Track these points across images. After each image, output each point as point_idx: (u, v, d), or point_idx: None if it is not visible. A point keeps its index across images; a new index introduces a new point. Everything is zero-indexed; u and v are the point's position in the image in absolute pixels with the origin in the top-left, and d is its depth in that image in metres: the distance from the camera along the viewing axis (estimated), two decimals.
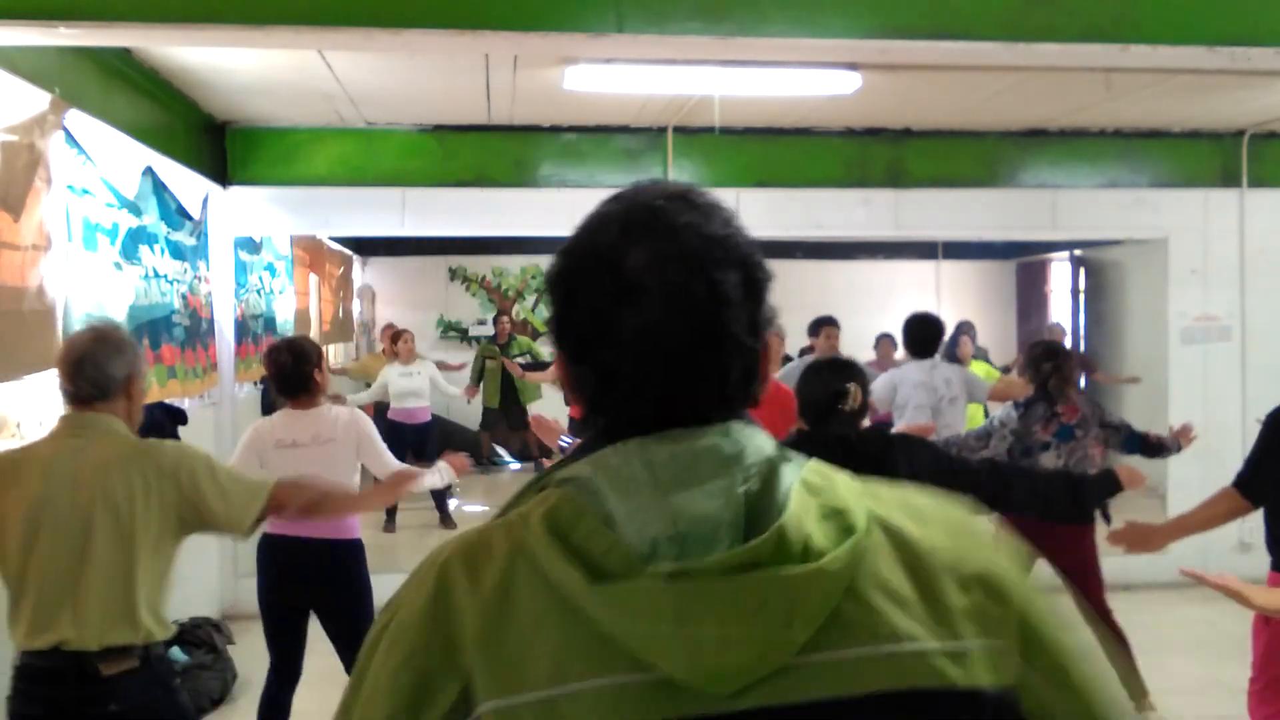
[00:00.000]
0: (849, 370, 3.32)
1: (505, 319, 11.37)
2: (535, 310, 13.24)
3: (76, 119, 4.38)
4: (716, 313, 0.95)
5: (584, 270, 0.98)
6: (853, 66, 5.47)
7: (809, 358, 6.31)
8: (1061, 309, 12.75)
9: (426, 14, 3.55)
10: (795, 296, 10.84)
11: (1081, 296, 12.05)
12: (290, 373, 4.17)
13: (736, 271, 0.97)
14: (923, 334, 6.17)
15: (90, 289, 4.50)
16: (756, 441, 0.96)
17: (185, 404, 5.75)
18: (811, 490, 0.94)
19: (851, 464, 3.80)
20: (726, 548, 0.88)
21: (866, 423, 3.50)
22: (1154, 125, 7.32)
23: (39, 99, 4.07)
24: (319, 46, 4.75)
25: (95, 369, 2.83)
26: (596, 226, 0.99)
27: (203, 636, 5.50)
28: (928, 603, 0.93)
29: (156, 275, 5.41)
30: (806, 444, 3.19)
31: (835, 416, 3.23)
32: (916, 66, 5.51)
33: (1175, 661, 5.71)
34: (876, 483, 1.02)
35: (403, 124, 6.94)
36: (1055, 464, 4.84)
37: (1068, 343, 12.06)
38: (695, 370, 0.96)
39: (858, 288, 13.15)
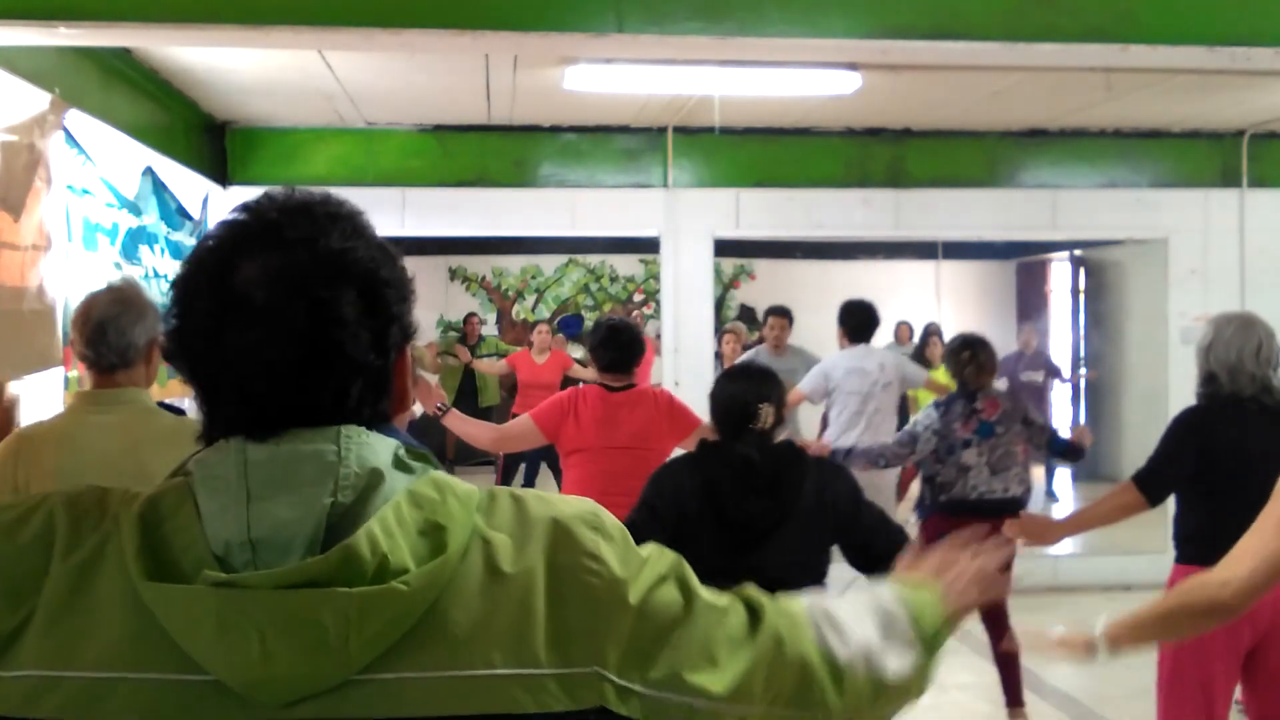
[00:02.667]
0: (763, 384, 3.06)
1: (475, 319, 12.01)
2: (535, 310, 13.30)
3: (76, 119, 4.38)
4: (324, 331, 0.92)
5: (196, 281, 0.95)
6: (853, 66, 5.47)
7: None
8: (1061, 309, 12.74)
9: (426, 14, 3.55)
10: (795, 296, 10.83)
11: (1081, 296, 12.04)
12: None
13: (352, 288, 0.94)
14: (859, 320, 6.23)
15: (90, 289, 4.49)
16: (367, 450, 0.93)
17: (185, 403, 5.74)
18: (417, 503, 0.92)
19: (749, 483, 3.53)
20: (299, 559, 0.87)
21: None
22: (1154, 125, 7.31)
23: (39, 99, 4.07)
24: (319, 46, 4.74)
25: (119, 335, 2.65)
26: (217, 237, 0.97)
27: None
28: (514, 628, 0.92)
29: (156, 275, 5.41)
30: (708, 459, 3.00)
31: (744, 434, 2.99)
32: (916, 66, 5.50)
33: None
34: (510, 498, 0.99)
35: (403, 124, 6.93)
36: (977, 461, 4.76)
37: (1066, 341, 12.08)
38: (307, 390, 0.93)
39: (858, 288, 13.12)
